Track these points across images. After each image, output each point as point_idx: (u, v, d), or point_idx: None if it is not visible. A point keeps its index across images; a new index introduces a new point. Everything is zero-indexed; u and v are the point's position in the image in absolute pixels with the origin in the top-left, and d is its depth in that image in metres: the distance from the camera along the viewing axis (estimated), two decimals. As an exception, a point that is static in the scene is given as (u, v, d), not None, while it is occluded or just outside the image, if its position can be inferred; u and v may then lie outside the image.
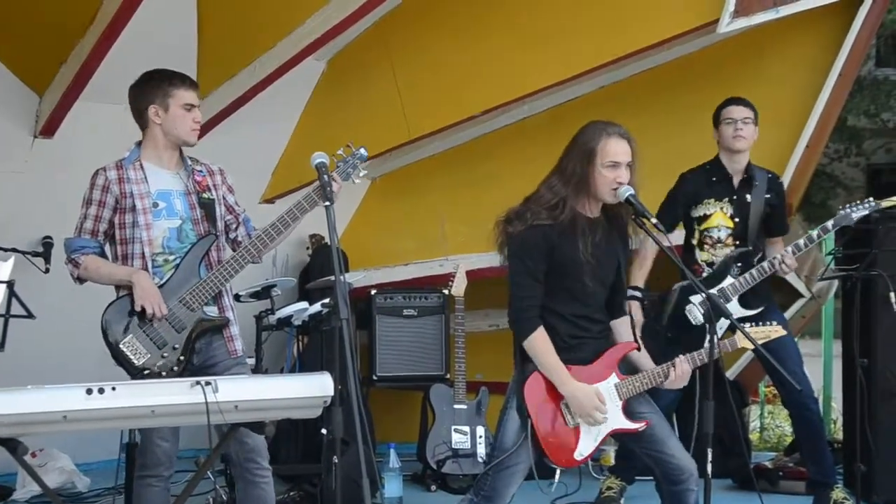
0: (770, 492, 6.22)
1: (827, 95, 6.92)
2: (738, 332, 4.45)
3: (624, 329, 4.46)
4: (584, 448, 4.27)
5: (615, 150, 4.21)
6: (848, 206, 5.69)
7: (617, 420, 4.29)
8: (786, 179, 6.98)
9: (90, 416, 3.48)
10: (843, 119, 16.47)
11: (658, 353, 4.50)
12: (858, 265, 5.78)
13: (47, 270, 6.26)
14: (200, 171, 4.56)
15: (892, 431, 5.82)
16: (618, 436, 4.42)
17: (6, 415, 3.40)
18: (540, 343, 4.22)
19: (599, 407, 4.22)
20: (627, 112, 6.52)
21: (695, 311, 5.60)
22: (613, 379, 4.32)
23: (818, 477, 5.88)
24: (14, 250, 6.07)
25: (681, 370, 4.30)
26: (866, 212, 5.62)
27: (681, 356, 4.33)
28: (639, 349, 4.40)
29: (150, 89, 4.47)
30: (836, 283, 6.86)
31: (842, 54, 6.86)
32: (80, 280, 4.50)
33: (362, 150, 4.43)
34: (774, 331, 4.58)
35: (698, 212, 5.84)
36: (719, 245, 5.81)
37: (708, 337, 4.20)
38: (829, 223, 5.66)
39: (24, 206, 6.41)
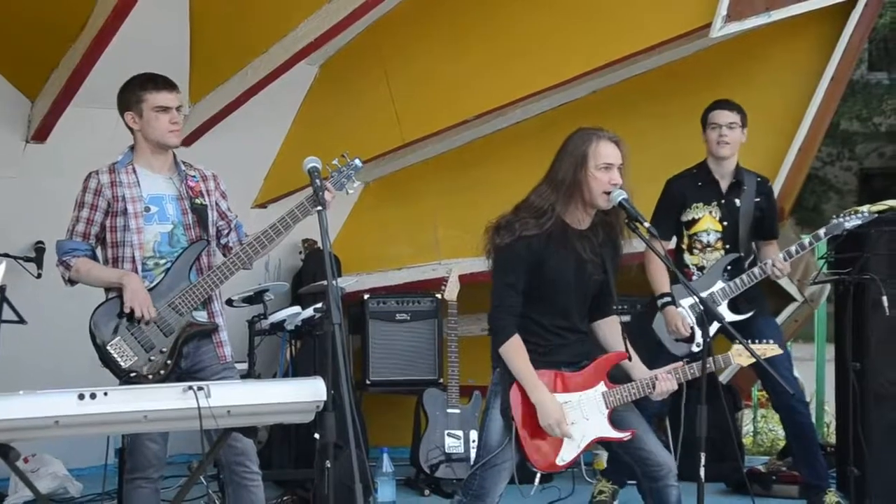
0: (763, 496, 6.23)
1: (819, 99, 6.94)
2: (732, 350, 4.44)
3: (613, 335, 4.46)
4: (567, 454, 4.28)
5: (607, 152, 4.23)
6: (841, 215, 5.68)
7: (602, 428, 4.30)
8: (778, 183, 6.99)
9: (82, 422, 3.47)
10: (836, 123, 16.50)
11: (649, 360, 4.50)
12: (851, 269, 5.78)
13: (39, 276, 6.25)
14: (194, 177, 4.56)
15: (885, 435, 5.82)
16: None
17: (-2, 420, 3.39)
18: (514, 351, 4.26)
19: (560, 422, 4.22)
20: (620, 117, 6.53)
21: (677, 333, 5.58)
22: (601, 387, 4.33)
23: (811, 480, 5.89)
24: (6, 255, 6.06)
25: (663, 388, 4.31)
26: (859, 222, 5.61)
27: (663, 373, 4.33)
28: (629, 359, 4.40)
29: (125, 97, 4.49)
30: (828, 286, 6.86)
31: (834, 58, 6.87)
32: (71, 282, 4.50)
33: (357, 161, 4.42)
34: (770, 349, 4.57)
35: (687, 216, 5.84)
36: (709, 249, 5.81)
37: (700, 342, 4.20)
38: (822, 231, 5.66)
39: (17, 211, 6.40)
